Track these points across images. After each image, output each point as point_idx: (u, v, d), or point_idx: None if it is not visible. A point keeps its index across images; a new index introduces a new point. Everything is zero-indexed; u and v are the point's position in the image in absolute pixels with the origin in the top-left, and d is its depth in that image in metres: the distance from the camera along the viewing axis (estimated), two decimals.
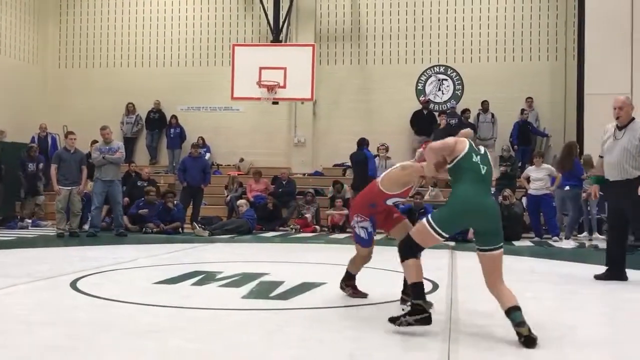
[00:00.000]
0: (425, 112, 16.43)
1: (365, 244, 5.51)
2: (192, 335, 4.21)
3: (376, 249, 5.81)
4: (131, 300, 5.24)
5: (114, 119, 16.27)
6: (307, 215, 13.96)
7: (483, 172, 4.37)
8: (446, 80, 16.95)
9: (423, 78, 16.99)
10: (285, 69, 14.50)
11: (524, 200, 13.08)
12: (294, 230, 13.57)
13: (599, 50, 13.96)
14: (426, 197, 14.15)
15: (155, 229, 12.40)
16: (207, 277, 6.59)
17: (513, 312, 4.15)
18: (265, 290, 5.90)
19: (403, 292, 5.34)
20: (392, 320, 4.32)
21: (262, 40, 16.90)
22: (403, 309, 4.45)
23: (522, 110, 15.83)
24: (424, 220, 4.37)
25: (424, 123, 16.17)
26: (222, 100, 16.41)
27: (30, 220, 13.45)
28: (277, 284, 6.18)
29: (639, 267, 7.79)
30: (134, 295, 5.49)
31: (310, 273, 7.30)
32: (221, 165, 17.22)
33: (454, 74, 16.86)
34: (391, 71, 16.84)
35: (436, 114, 16.36)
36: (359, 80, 17.06)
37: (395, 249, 4.57)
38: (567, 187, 11.23)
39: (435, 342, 4.07)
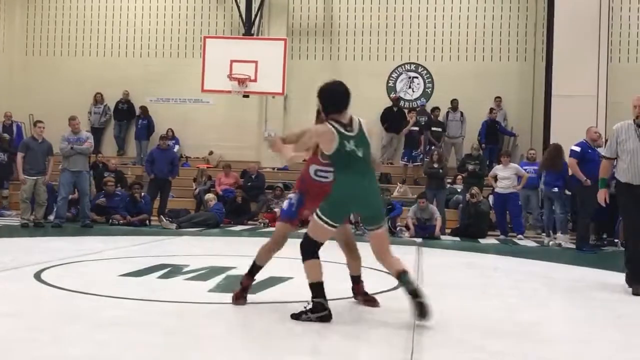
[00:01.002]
0: (395, 109, 16.53)
1: (283, 215, 5.12)
2: (157, 329, 4.19)
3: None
4: (96, 293, 5.19)
5: (82, 109, 16.05)
6: (276, 210, 13.92)
7: (360, 154, 4.48)
8: (417, 78, 17.07)
9: (394, 75, 17.08)
10: (256, 62, 14.42)
11: (491, 198, 13.25)
12: (262, 224, 13.55)
13: (567, 52, 14.20)
14: (395, 194, 14.26)
15: (121, 221, 12.27)
16: (173, 271, 6.56)
17: (403, 275, 4.42)
18: (232, 284, 5.87)
19: (352, 288, 5.29)
20: (294, 316, 4.45)
21: (234, 33, 16.80)
22: (305, 307, 4.50)
23: (491, 110, 16.02)
24: (314, 215, 4.49)
25: (394, 120, 16.28)
26: (192, 92, 16.28)
27: None
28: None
29: (611, 268, 8.01)
30: (98, 287, 5.43)
31: (277, 267, 7.26)
32: (190, 157, 17.10)
33: (425, 72, 16.98)
34: (362, 67, 16.88)
35: (406, 111, 16.48)
36: (330, 75, 16.47)
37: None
38: (555, 189, 11.32)
39: (399, 337, 4.12)
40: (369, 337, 4.18)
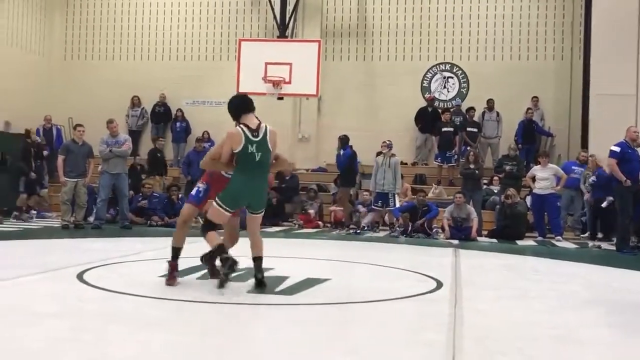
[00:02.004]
0: (430, 109, 16.44)
1: (191, 198, 5.88)
2: (197, 329, 4.25)
3: (384, 247, 5.84)
4: (137, 293, 5.27)
5: (120, 112, 16.28)
6: (310, 211, 13.98)
7: (258, 159, 5.52)
8: (452, 77, 16.94)
9: (428, 75, 16.98)
10: (290, 64, 14.49)
11: (528, 199, 13.09)
12: (297, 225, 13.60)
13: (605, 50, 13.92)
14: (430, 195, 14.19)
15: (159, 222, 12.44)
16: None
17: (256, 261, 5.65)
18: (270, 285, 5.92)
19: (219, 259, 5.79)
20: (220, 285, 5.48)
21: (269, 36, 16.90)
22: (218, 267, 5.59)
23: (528, 109, 15.82)
24: (214, 202, 5.55)
25: (429, 120, 16.20)
26: (227, 95, 16.07)
27: (35, 212, 13.48)
28: (282, 279, 6.21)
29: None
30: (139, 288, 5.52)
31: (314, 269, 7.33)
32: None
33: (460, 71, 16.85)
34: (396, 68, 16.82)
35: (441, 111, 16.38)
36: (364, 76, 17.06)
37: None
38: None
39: (440, 339, 4.10)
40: (408, 339, 4.16)
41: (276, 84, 14.47)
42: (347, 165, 13.17)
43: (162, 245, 9.10)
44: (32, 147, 14.03)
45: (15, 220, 12.53)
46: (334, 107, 16.92)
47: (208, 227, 5.63)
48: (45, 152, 14.35)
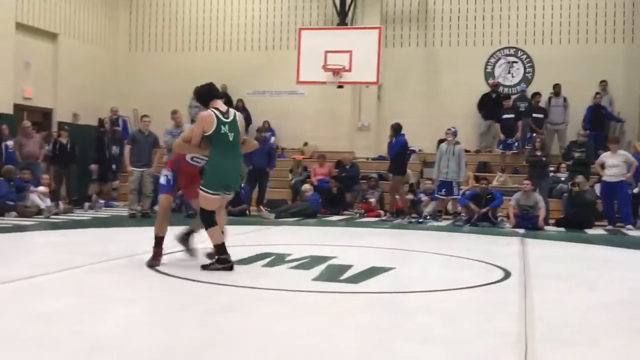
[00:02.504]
0: (493, 95, 16.09)
1: (164, 189, 6.16)
2: (266, 315, 4.28)
3: (448, 236, 5.75)
4: (205, 280, 5.35)
5: (182, 103, 16.55)
6: (371, 200, 13.91)
7: (231, 139, 5.78)
8: (516, 62, 16.52)
9: (492, 60, 16.59)
10: (350, 52, 14.44)
11: (597, 187, 12.67)
12: (358, 214, 13.56)
13: None
14: (494, 183, 13.91)
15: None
16: (277, 259, 6.67)
17: (222, 248, 5.84)
18: (334, 273, 5.93)
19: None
20: (204, 267, 5.79)
21: (328, 24, 16.85)
22: (211, 262, 5.88)
23: (596, 94, 15.29)
24: (200, 191, 5.79)
25: (492, 107, 15.85)
26: (288, 84, 16.47)
27: (102, 201, 13.87)
28: (346, 267, 6.20)
29: None
30: (207, 275, 5.60)
31: (378, 257, 7.30)
32: (285, 148, 17.33)
33: (524, 56, 16.41)
34: (459, 53, 16.52)
35: (502, 97, 16.00)
36: (425, 63, 16.82)
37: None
38: None
39: (511, 329, 4.01)
40: (479, 328, 4.08)
41: (336, 72, 14.45)
42: (400, 153, 13.01)
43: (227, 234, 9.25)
44: (105, 137, 14.39)
45: (86, 210, 12.92)
46: (394, 94, 16.75)
47: (209, 217, 5.86)
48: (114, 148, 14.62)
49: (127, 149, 12.02)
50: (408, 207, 12.83)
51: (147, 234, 9.33)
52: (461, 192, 12.54)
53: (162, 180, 6.18)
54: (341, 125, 17.07)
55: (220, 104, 5.92)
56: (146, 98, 17.12)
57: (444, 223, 12.29)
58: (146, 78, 17.90)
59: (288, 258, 6.75)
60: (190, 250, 6.46)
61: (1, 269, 5.56)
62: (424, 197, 13.21)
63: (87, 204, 13.20)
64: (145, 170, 11.83)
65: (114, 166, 14.11)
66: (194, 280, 5.34)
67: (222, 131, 5.73)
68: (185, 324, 4.00)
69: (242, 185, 13.25)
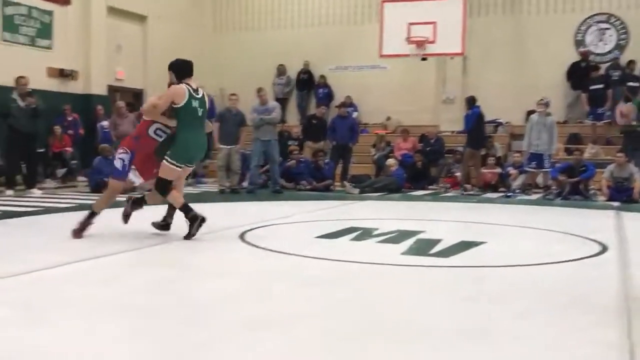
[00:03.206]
0: (583, 64, 15.43)
1: (118, 174, 6.12)
2: (356, 288, 4.33)
3: (539, 210, 5.61)
4: (296, 253, 5.45)
5: (266, 80, 16.78)
6: (457, 174, 13.71)
7: (199, 114, 6.04)
8: (608, 29, 15.74)
9: (582, 28, 15.89)
10: (434, 23, 14.19)
11: None
12: (443, 189, 13.40)
13: None
14: (586, 155, 13.40)
15: (308, 187, 12.77)
16: (364, 233, 6.70)
17: (186, 207, 5.97)
18: (423, 247, 5.90)
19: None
20: (188, 236, 5.92)
21: None
22: (188, 224, 5.94)
23: None
24: (164, 161, 5.91)
25: (582, 76, 15.21)
26: (370, 59, 16.37)
27: (194, 179, 14.31)
28: (435, 241, 6.16)
29: None
30: (297, 248, 5.70)
31: (467, 232, 7.21)
32: (368, 124, 17.27)
33: (618, 22, 15.61)
34: (547, 21, 15.89)
35: (592, 67, 15.31)
36: (512, 32, 16.28)
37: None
38: None
39: (611, 303, 3.89)
40: (577, 303, 3.97)
41: (420, 44, 14.24)
42: (476, 125, 12.77)
43: (312, 208, 9.39)
44: None
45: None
46: (480, 65, 16.33)
47: (166, 186, 5.97)
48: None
49: (215, 127, 12.31)
50: (468, 181, 12.63)
51: (237, 208, 9.65)
52: (552, 164, 12.15)
53: (118, 165, 6.13)
54: (425, 99, 16.82)
55: (192, 82, 6.07)
56: (232, 76, 17.42)
57: (533, 197, 11.97)
58: (231, 57, 18.21)
59: (375, 232, 6.76)
60: (128, 213, 6.36)
61: (109, 242, 5.86)
62: (512, 171, 12.90)
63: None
64: (233, 148, 12.09)
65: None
66: (284, 253, 5.45)
67: (193, 105, 5.95)
68: (277, 295, 4.10)
69: (327, 160, 13.38)
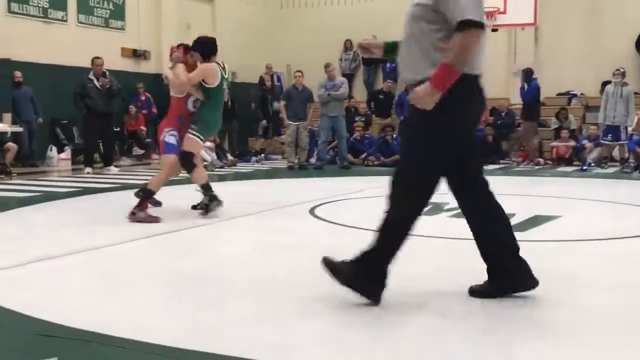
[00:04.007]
0: None
1: (174, 149, 6.04)
2: (434, 262, 4.31)
3: (615, 184, 5.42)
4: (367, 227, 5.45)
5: (333, 56, 16.72)
6: (528, 148, 13.37)
7: (225, 92, 6.40)
8: None
9: None
10: None
11: None
12: (515, 163, 13.12)
13: None
14: None
15: (376, 162, 12.74)
16: (435, 208, 6.62)
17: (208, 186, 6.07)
18: None
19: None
20: (203, 212, 5.96)
21: None
22: (205, 202, 5.99)
23: None
24: (190, 134, 5.98)
25: None
26: None
27: (262, 155, 14.53)
28: (509, 216, 6.02)
29: None
30: (369, 222, 5.68)
31: (541, 206, 7.04)
32: None
33: None
34: None
35: None
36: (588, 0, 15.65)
37: None
38: None
39: None
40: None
41: (490, 14, 13.81)
42: (534, 98, 12.48)
43: (381, 184, 9.31)
44: (268, 94, 14.95)
45: (253, 163, 13.61)
46: (553, 35, 15.79)
47: (191, 159, 5.99)
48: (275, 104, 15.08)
49: (282, 104, 12.43)
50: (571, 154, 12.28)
51: (306, 184, 9.73)
52: (629, 136, 11.70)
53: (172, 140, 6.05)
54: (495, 71, 16.34)
55: (217, 59, 6.11)
56: (299, 53, 17.44)
57: (610, 170, 11.56)
58: (298, 33, 18.22)
59: (446, 207, 6.67)
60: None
61: (182, 218, 6.02)
62: (587, 144, 12.49)
63: (253, 158, 13.93)
64: (300, 124, 12.17)
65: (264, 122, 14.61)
66: (355, 228, 5.47)
67: (223, 87, 6.13)
68: None
69: (395, 136, 13.28)
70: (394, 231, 3.30)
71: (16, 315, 3.07)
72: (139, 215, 5.74)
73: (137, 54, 14.76)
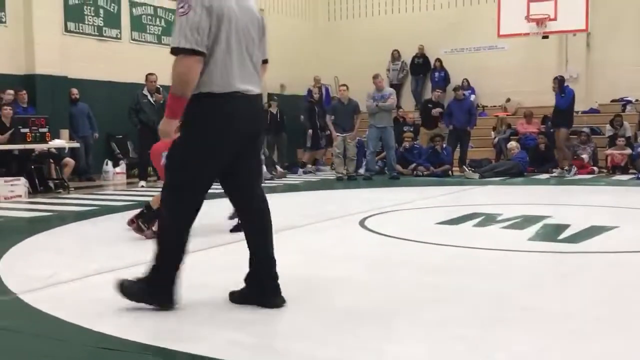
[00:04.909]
0: None
1: None
2: (484, 274, 4.24)
3: None
4: (417, 239, 5.44)
5: (380, 67, 16.72)
6: (583, 156, 13.09)
7: None
8: None
9: None
10: None
11: None
12: (568, 171, 12.82)
13: None
14: None
15: (425, 172, 12.66)
16: (487, 219, 6.57)
17: None
18: (551, 232, 5.72)
19: None
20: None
21: None
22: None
23: None
24: None
25: None
26: (487, 40, 15.94)
27: (312, 166, 14.61)
28: (563, 227, 5.93)
29: None
30: (418, 234, 5.68)
31: (597, 216, 6.88)
32: (487, 106, 16.83)
33: None
34: None
35: None
36: (639, 3, 15.27)
37: None
38: None
39: None
40: None
41: (540, 22, 13.69)
42: (570, 104, 12.25)
43: (431, 194, 9.30)
44: (316, 106, 15.06)
45: (300, 175, 13.70)
46: (605, 41, 15.46)
47: None
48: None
49: (328, 118, 12.54)
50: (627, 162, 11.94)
51: (355, 195, 9.73)
52: None
53: None
54: (546, 78, 16.00)
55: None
56: (346, 64, 17.53)
57: None
58: (345, 45, 18.32)
59: (499, 218, 6.61)
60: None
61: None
62: None
63: (300, 170, 14.03)
64: (348, 136, 12.20)
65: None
66: (405, 239, 5.45)
67: None
68: (403, 281, 4.09)
69: (444, 145, 13.19)
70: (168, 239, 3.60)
71: (76, 328, 3.15)
72: (147, 232, 5.60)
73: None
